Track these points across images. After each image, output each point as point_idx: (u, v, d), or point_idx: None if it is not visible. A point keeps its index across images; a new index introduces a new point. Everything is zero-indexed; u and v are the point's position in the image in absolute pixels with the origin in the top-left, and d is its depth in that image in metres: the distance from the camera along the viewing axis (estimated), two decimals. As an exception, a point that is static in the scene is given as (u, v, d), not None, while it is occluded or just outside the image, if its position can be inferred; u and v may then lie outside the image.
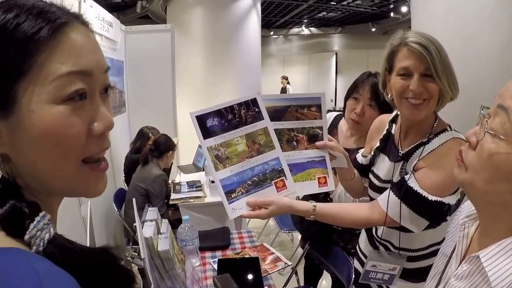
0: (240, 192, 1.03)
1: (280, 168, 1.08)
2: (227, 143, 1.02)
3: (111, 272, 0.45)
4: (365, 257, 1.45)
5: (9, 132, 0.41)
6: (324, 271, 2.18)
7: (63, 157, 0.43)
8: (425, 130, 1.12)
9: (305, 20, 9.98)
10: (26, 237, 0.40)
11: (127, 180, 3.11)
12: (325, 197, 1.76)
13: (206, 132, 1.00)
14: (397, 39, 1.07)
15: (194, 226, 1.61)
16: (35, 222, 0.41)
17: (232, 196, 1.02)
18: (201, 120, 0.99)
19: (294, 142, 1.13)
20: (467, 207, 0.77)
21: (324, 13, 8.77)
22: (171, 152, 2.96)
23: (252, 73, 5.79)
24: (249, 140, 1.04)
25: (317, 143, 1.15)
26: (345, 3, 7.52)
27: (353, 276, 1.56)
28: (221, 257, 1.71)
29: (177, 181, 3.26)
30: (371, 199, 1.32)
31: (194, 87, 5.45)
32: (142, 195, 2.67)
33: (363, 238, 1.49)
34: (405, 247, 1.23)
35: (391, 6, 7.65)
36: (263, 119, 1.06)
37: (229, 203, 1.01)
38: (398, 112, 1.24)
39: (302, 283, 2.25)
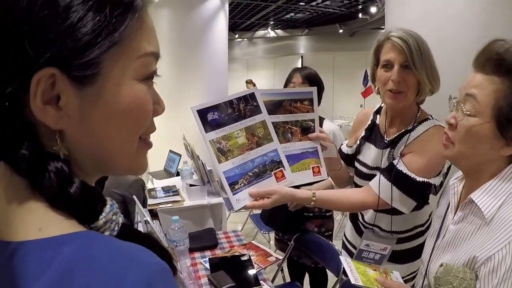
0: (242, 184, 1.04)
1: (278, 160, 1.11)
2: (228, 136, 1.03)
3: (158, 250, 0.46)
4: (352, 245, 1.52)
5: (82, 105, 0.37)
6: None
7: (135, 133, 0.41)
8: (409, 119, 1.23)
9: (271, 22, 10.01)
10: (101, 221, 0.38)
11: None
12: None
13: (208, 126, 1.01)
14: (383, 35, 1.18)
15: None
16: (108, 206, 0.40)
17: (236, 187, 1.03)
18: (202, 114, 1.00)
19: (289, 134, 1.17)
20: (455, 175, 0.99)
21: (292, 14, 8.87)
22: (145, 156, 2.89)
23: (219, 78, 5.77)
24: (249, 133, 1.06)
25: (310, 134, 1.21)
26: (314, 3, 7.66)
27: (342, 267, 1.61)
28: (211, 257, 1.70)
29: (150, 187, 3.18)
30: (357, 186, 1.40)
31: (159, 93, 5.33)
32: (118, 201, 2.58)
33: (348, 228, 1.56)
34: (394, 230, 1.32)
35: (360, 6, 7.86)
36: (261, 112, 1.09)
37: (233, 194, 1.02)
38: (383, 104, 1.33)
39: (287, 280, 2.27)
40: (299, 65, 11.91)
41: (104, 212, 0.39)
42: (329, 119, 2.10)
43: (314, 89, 1.20)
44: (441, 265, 0.85)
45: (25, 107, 0.36)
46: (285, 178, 1.11)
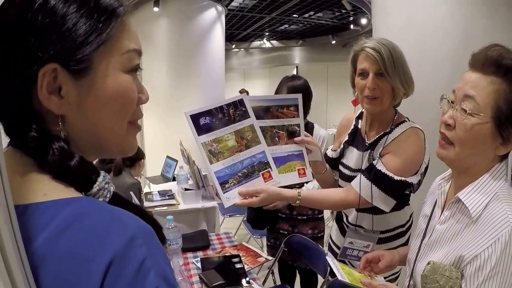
0: (232, 183, 1.12)
1: (266, 161, 1.19)
2: (218, 139, 1.11)
3: (146, 219, 0.51)
4: (337, 246, 1.58)
5: (78, 93, 0.46)
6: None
7: (123, 117, 0.50)
8: (387, 122, 1.32)
9: (267, 33, 10.17)
10: (95, 189, 0.47)
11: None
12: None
13: (200, 130, 1.09)
14: (358, 45, 1.27)
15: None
16: (101, 177, 0.48)
17: (226, 186, 1.11)
18: (195, 119, 1.08)
19: (276, 138, 1.25)
20: (441, 175, 1.02)
21: (286, 25, 9.03)
22: (142, 160, 2.99)
23: (216, 87, 5.86)
24: (238, 136, 1.15)
25: (296, 138, 1.29)
26: (306, 15, 7.82)
27: (328, 268, 1.67)
28: (203, 257, 1.77)
29: (147, 191, 3.25)
30: None
31: (158, 100, 5.41)
32: (115, 204, 2.67)
33: (334, 229, 1.63)
34: (375, 229, 1.38)
35: (351, 18, 8.01)
36: (250, 117, 1.17)
37: (224, 193, 1.10)
38: (363, 110, 1.41)
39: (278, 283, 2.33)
40: (294, 75, 12.04)
41: (98, 181, 0.47)
42: (323, 127, 2.19)
43: (299, 96, 1.28)
44: (429, 263, 0.86)
45: (32, 98, 0.44)
46: (272, 179, 1.19)
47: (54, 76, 0.44)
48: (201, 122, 1.09)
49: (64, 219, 0.41)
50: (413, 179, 1.24)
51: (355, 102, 7.04)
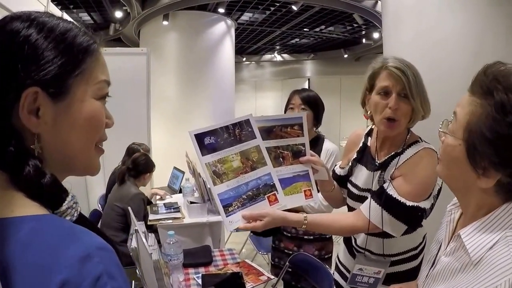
0: (236, 206, 1.09)
1: (272, 183, 1.16)
2: (223, 160, 1.09)
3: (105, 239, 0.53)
4: (345, 268, 1.53)
5: (55, 115, 0.51)
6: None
7: (92, 138, 0.55)
8: (399, 142, 1.27)
9: (278, 47, 10.21)
10: (64, 207, 0.51)
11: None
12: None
13: (204, 150, 1.07)
14: (378, 63, 1.23)
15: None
16: (70, 196, 0.52)
17: (229, 209, 1.08)
18: (199, 138, 1.07)
19: (281, 159, 1.22)
20: (453, 200, 0.94)
21: (297, 39, 9.06)
22: (148, 174, 2.96)
23: (226, 99, 5.88)
24: (243, 157, 1.12)
25: (301, 158, 1.25)
26: (317, 29, 7.85)
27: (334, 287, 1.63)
28: (204, 273, 1.75)
29: (153, 203, 3.24)
30: (349, 208, 1.42)
31: (167, 112, 5.44)
32: (119, 215, 2.65)
33: (342, 250, 1.58)
34: (385, 253, 1.33)
35: (363, 32, 8.00)
36: (256, 138, 1.15)
37: (227, 216, 1.08)
38: (373, 126, 1.37)
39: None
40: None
41: (67, 200, 0.52)
42: (336, 140, 2.15)
43: (304, 114, 1.25)
44: None
45: (12, 117, 0.49)
46: (278, 202, 1.16)
47: (35, 98, 0.49)
48: (206, 142, 1.08)
49: (26, 235, 0.45)
50: (426, 204, 1.19)
51: (367, 116, 7.05)
